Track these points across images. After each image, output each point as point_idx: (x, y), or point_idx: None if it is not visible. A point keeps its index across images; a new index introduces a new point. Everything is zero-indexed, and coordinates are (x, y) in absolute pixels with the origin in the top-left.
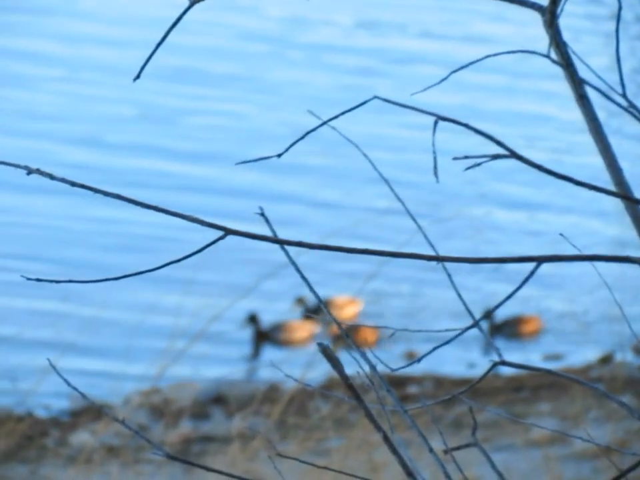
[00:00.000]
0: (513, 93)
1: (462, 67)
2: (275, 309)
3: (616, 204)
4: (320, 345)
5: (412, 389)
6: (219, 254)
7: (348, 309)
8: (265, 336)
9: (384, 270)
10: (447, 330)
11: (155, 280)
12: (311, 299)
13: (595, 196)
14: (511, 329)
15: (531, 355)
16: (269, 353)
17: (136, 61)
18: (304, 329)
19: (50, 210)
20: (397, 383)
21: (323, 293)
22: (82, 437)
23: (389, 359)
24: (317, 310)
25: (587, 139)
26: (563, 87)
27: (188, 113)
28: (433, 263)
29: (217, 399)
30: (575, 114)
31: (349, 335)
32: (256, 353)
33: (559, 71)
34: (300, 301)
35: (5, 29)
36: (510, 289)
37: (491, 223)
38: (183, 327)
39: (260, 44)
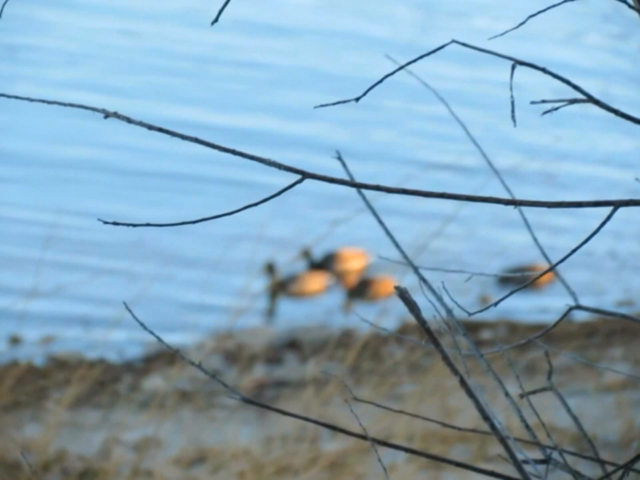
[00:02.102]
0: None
1: (539, 12)
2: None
3: None
4: (397, 288)
5: (485, 334)
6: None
7: (355, 262)
8: (281, 286)
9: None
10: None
11: (230, 224)
12: (316, 252)
13: None
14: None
15: (604, 300)
16: (285, 305)
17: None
18: (316, 281)
19: (124, 153)
20: (470, 328)
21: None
22: (155, 383)
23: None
24: (322, 262)
25: None
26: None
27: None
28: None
29: (291, 344)
30: None
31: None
32: (272, 304)
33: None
34: (305, 253)
35: None
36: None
37: (564, 173)
38: (256, 272)
39: None
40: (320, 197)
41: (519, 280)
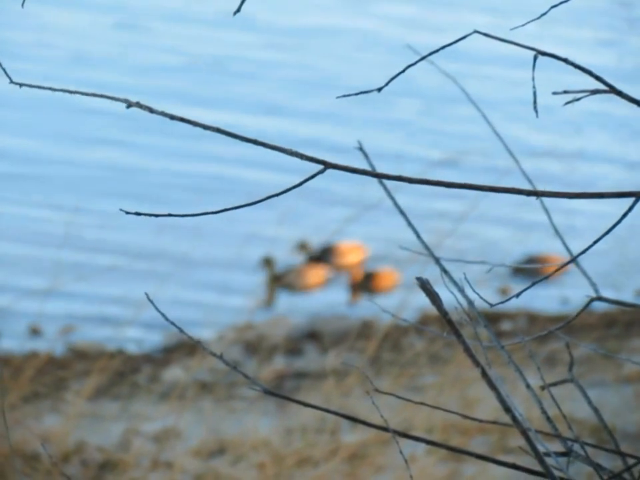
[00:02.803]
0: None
1: (561, 2)
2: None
3: None
4: (419, 279)
5: (505, 325)
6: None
7: (352, 255)
8: (278, 280)
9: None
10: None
11: (250, 214)
12: (313, 245)
13: None
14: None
15: (623, 292)
16: (284, 298)
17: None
18: (315, 275)
19: (146, 145)
20: (490, 319)
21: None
22: (174, 373)
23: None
24: (320, 255)
25: None
26: None
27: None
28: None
29: (311, 335)
30: None
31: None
32: (270, 297)
33: None
34: (302, 246)
35: None
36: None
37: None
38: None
39: None
40: (323, 193)
41: (532, 271)
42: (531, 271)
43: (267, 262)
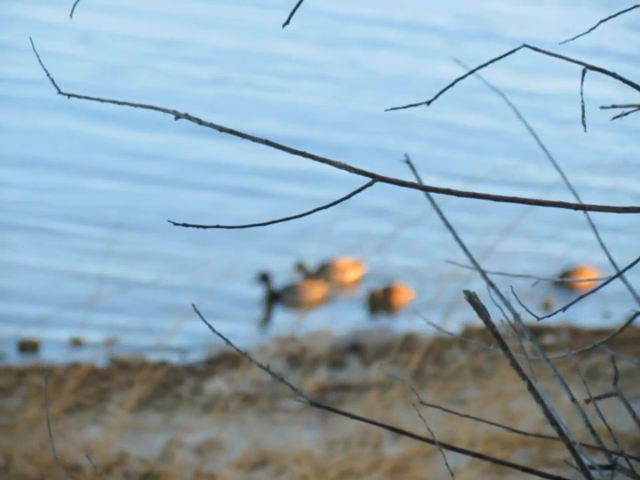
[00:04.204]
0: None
1: (610, 17)
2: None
3: None
4: (466, 292)
5: (548, 339)
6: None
7: (351, 272)
8: (276, 296)
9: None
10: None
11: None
12: (310, 264)
13: None
14: None
15: None
16: (282, 314)
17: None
18: (315, 291)
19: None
20: (533, 332)
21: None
22: (217, 385)
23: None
24: (317, 274)
25: None
26: None
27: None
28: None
29: (354, 348)
30: None
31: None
32: (267, 314)
33: None
34: (300, 266)
35: None
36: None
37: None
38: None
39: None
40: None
41: (570, 284)
42: (570, 284)
43: (264, 278)
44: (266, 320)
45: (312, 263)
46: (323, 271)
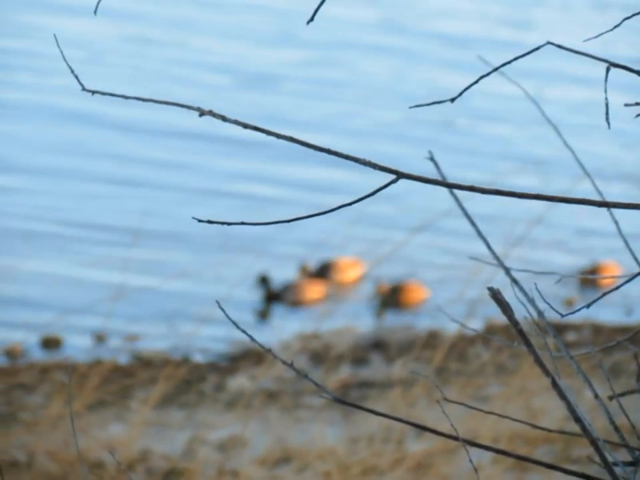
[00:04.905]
0: None
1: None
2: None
3: None
4: (490, 289)
5: (570, 336)
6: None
7: (351, 272)
8: (275, 296)
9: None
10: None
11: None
12: (313, 265)
13: None
14: None
15: None
16: (280, 312)
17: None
18: (314, 290)
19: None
20: (556, 329)
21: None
22: (240, 382)
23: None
24: (319, 272)
25: None
26: None
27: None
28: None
29: (377, 345)
30: None
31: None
32: (266, 314)
33: None
34: (304, 268)
35: None
36: None
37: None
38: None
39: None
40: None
41: (591, 281)
42: (591, 281)
43: (263, 280)
44: (265, 320)
45: (313, 264)
46: (324, 270)
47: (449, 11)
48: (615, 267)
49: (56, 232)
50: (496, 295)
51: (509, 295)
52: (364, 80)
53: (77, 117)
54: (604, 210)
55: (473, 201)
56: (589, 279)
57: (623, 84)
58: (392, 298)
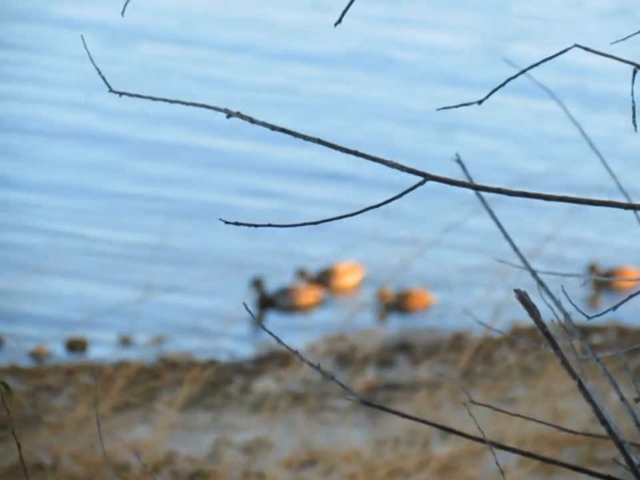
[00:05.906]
0: None
1: None
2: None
3: None
4: (517, 291)
5: (596, 338)
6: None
7: (350, 277)
8: (270, 301)
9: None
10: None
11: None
12: (312, 270)
13: None
14: None
15: None
16: (276, 318)
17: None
18: (309, 295)
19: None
20: (581, 331)
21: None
22: (266, 384)
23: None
24: (319, 280)
25: None
26: None
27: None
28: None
29: (403, 347)
30: None
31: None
32: (260, 318)
33: None
34: (302, 273)
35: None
36: None
37: None
38: (369, 274)
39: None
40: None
41: (612, 284)
42: (614, 284)
43: (257, 283)
44: (258, 324)
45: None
46: (323, 276)
47: (450, 24)
48: (632, 271)
49: (81, 233)
50: (523, 297)
51: (535, 296)
52: (369, 94)
53: (97, 137)
54: (630, 212)
55: (499, 204)
56: (612, 281)
57: None
58: (396, 304)
